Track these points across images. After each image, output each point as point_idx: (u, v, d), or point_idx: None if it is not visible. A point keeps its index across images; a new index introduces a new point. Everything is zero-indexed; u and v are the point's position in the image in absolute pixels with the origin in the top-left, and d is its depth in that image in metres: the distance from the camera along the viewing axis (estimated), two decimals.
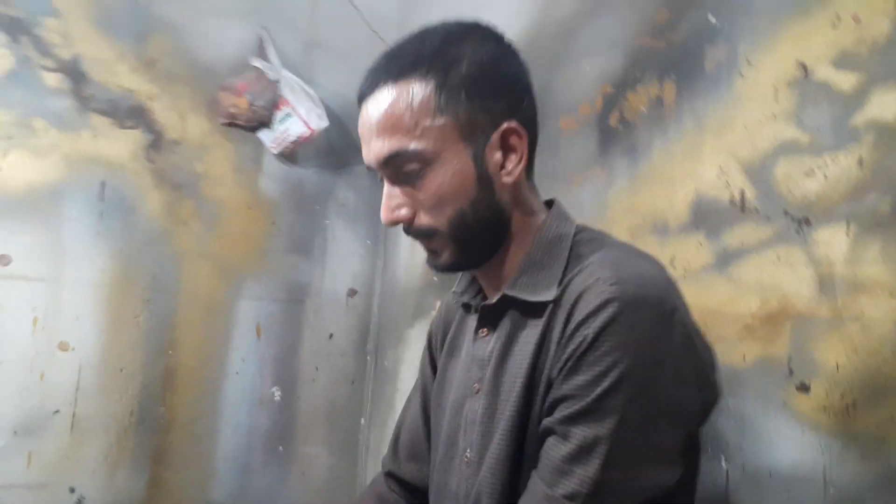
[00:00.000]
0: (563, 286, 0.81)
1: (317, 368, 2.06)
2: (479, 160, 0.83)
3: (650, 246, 1.23)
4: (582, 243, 0.86)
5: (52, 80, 1.73)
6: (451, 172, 0.81)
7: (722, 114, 1.13)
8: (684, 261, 1.17)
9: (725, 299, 1.09)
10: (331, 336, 2.09)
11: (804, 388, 0.97)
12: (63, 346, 1.72)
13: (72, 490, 1.70)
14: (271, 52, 1.92)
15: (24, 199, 1.69)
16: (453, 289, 1.02)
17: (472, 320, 0.95)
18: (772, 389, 1.01)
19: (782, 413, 0.99)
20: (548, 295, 0.81)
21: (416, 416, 1.12)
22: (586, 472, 0.69)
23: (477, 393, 0.88)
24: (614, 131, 1.34)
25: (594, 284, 0.74)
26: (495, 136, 0.83)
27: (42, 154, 1.71)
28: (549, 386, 0.77)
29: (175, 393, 1.85)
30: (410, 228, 0.86)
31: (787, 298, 1.00)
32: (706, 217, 1.14)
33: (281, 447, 1.99)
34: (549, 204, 0.94)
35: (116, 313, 1.79)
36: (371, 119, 0.83)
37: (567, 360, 0.74)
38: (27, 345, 1.68)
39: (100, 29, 1.80)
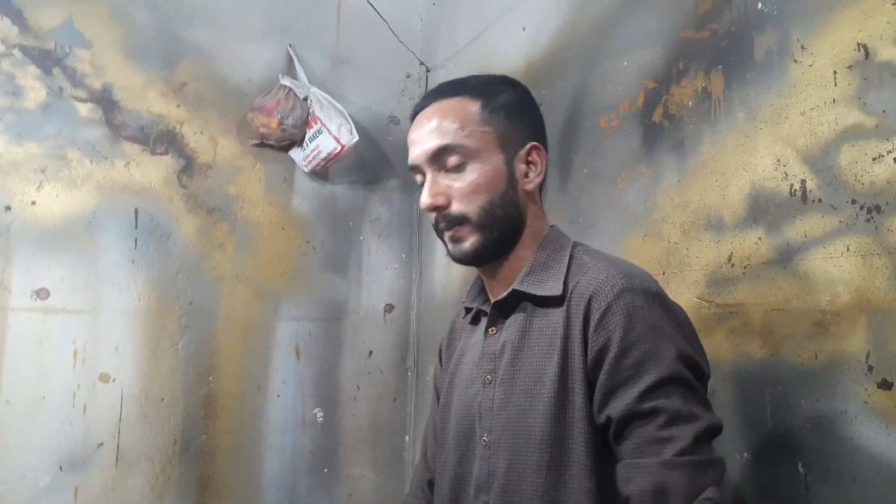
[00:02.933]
0: (568, 285, 0.96)
1: (358, 387, 2.03)
2: (510, 165, 1.01)
3: (705, 243, 1.18)
4: (582, 252, 1.01)
5: (84, 110, 1.73)
6: (488, 168, 0.99)
7: (776, 102, 1.08)
8: (743, 257, 1.12)
9: (791, 295, 1.04)
10: (370, 353, 2.06)
11: (886, 385, 0.92)
12: (104, 378, 1.71)
13: None
14: (299, 70, 1.91)
15: (59, 231, 1.69)
16: (463, 301, 1.14)
17: (481, 328, 1.06)
18: (849, 388, 0.96)
19: (863, 413, 0.94)
20: (554, 290, 0.96)
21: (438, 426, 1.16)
22: (682, 431, 0.83)
23: (490, 384, 1.00)
24: (659, 127, 1.29)
25: (607, 280, 0.91)
26: (523, 151, 1.02)
27: (76, 185, 1.71)
28: (591, 370, 0.90)
29: (217, 420, 1.83)
30: (442, 215, 1.00)
31: (860, 291, 0.95)
32: (764, 210, 1.09)
33: (326, 469, 1.96)
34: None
35: (155, 342, 1.77)
36: (425, 123, 1.02)
37: (604, 346, 0.88)
38: (69, 378, 1.67)
39: (129, 56, 1.80)
